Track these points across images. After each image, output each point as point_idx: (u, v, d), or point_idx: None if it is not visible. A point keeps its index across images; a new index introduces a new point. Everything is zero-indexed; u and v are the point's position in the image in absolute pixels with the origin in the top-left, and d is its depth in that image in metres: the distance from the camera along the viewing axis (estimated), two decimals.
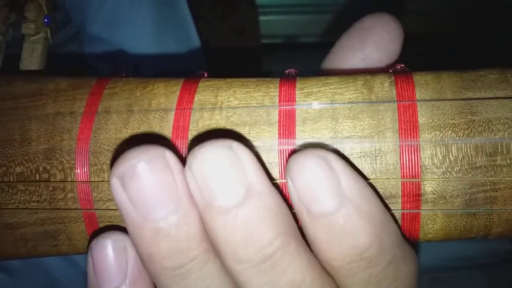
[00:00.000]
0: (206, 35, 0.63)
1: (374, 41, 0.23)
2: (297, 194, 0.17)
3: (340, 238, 0.17)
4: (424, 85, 0.19)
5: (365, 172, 0.18)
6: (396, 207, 0.18)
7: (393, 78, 0.19)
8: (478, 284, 0.66)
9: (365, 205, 0.17)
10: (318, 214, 0.16)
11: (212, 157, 0.16)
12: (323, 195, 0.16)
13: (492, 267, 0.67)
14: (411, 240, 0.19)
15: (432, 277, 0.65)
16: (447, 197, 0.18)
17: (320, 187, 0.16)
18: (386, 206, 0.18)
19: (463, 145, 0.18)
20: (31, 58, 0.27)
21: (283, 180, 0.19)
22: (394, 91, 0.19)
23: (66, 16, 0.55)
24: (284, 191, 0.19)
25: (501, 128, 0.18)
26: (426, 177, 0.18)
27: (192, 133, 0.19)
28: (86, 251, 0.21)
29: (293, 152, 0.19)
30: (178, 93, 0.20)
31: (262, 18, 1.08)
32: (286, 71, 0.21)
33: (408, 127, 0.18)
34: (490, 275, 0.67)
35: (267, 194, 0.17)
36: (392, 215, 0.18)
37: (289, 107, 0.19)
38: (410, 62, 0.22)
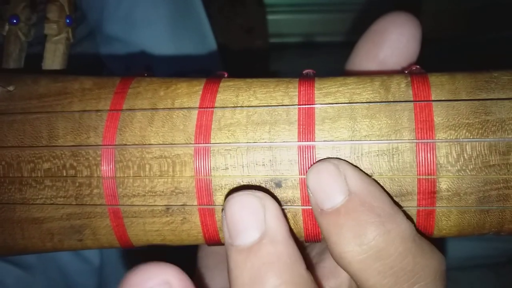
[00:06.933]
0: (214, 35, 0.64)
1: (389, 46, 0.23)
2: (313, 196, 0.19)
3: (347, 228, 0.18)
4: (440, 86, 0.20)
5: (383, 170, 0.19)
6: (412, 204, 0.19)
7: (409, 78, 0.20)
8: (486, 283, 0.67)
9: (369, 198, 0.18)
10: (328, 209, 0.18)
11: (240, 202, 0.18)
12: (332, 191, 0.18)
13: (500, 266, 0.67)
14: (431, 238, 0.20)
15: None
16: (461, 194, 0.19)
17: (329, 186, 0.18)
18: (397, 204, 0.19)
19: (477, 144, 0.19)
20: (54, 58, 0.28)
21: (302, 176, 0.19)
22: (411, 92, 0.19)
23: (81, 16, 0.55)
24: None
25: None
26: (441, 174, 0.19)
27: (214, 131, 0.20)
28: (110, 245, 0.22)
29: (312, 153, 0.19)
30: (200, 92, 0.21)
31: (270, 17, 1.08)
32: (304, 72, 0.22)
33: (424, 127, 0.19)
34: (499, 274, 0.67)
35: (281, 242, 0.18)
36: (405, 212, 0.19)
37: (309, 106, 0.20)
38: (423, 63, 0.22)
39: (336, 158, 0.19)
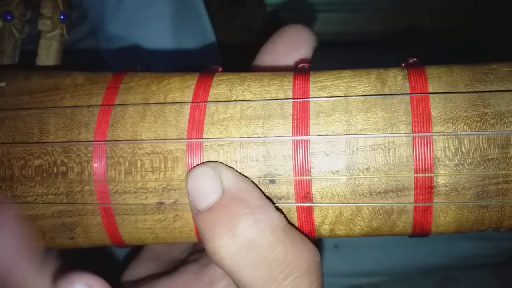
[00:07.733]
0: (214, 34, 0.63)
1: (284, 43, 0.27)
2: (191, 199, 0.19)
3: (220, 223, 0.18)
4: (437, 78, 0.19)
5: (378, 164, 0.19)
6: (409, 200, 0.19)
7: (406, 71, 0.20)
8: (487, 283, 0.66)
9: (240, 192, 0.19)
10: (203, 209, 0.19)
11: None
12: (206, 191, 0.19)
13: (500, 266, 0.67)
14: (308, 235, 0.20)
15: (441, 275, 0.65)
16: (459, 189, 0.18)
17: (204, 187, 0.19)
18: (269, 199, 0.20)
19: (475, 137, 0.18)
20: (48, 54, 0.27)
21: (297, 177, 0.19)
22: (407, 84, 0.19)
23: (82, 15, 0.55)
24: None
25: None
26: (439, 169, 0.18)
27: (207, 126, 0.20)
28: (102, 243, 0.22)
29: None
30: (193, 87, 0.21)
31: (270, 16, 1.08)
32: (300, 65, 0.21)
33: (421, 120, 0.18)
34: (499, 274, 0.66)
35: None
36: (278, 209, 0.20)
37: (303, 99, 0.19)
38: (420, 59, 0.22)
39: (214, 161, 0.19)
